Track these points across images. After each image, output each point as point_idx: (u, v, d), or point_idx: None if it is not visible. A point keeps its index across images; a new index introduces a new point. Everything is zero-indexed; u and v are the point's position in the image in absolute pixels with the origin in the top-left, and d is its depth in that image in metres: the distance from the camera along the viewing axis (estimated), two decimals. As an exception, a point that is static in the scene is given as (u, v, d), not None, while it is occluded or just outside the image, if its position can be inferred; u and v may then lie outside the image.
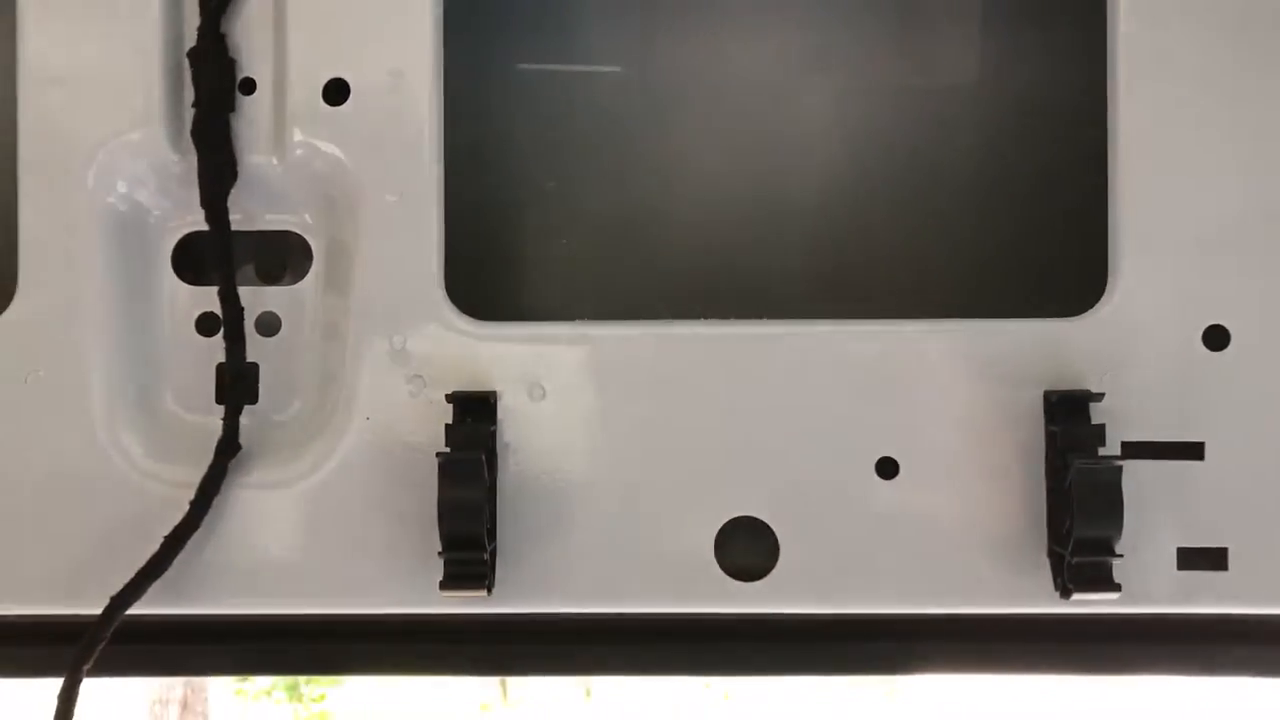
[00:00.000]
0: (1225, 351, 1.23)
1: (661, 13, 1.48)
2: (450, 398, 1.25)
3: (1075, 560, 1.19)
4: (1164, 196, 1.23)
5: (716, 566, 1.26)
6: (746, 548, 1.26)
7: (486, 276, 1.43)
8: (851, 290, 1.44)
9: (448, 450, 1.23)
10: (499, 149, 1.46)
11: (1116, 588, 1.19)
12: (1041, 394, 1.22)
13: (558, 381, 1.26)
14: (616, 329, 1.28)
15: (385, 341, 1.27)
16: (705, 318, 1.29)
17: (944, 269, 1.44)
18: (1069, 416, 1.21)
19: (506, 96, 1.47)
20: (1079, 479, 1.18)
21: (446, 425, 1.24)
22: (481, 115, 1.45)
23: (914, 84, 1.48)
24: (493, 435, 1.25)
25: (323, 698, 9.49)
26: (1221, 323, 1.23)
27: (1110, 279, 1.24)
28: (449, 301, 1.27)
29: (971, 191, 1.44)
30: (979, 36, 1.47)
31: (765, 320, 1.27)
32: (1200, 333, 1.23)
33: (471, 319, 1.27)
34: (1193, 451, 1.22)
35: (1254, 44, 1.23)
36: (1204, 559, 1.23)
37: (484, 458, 1.23)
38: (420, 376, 1.26)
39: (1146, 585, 1.22)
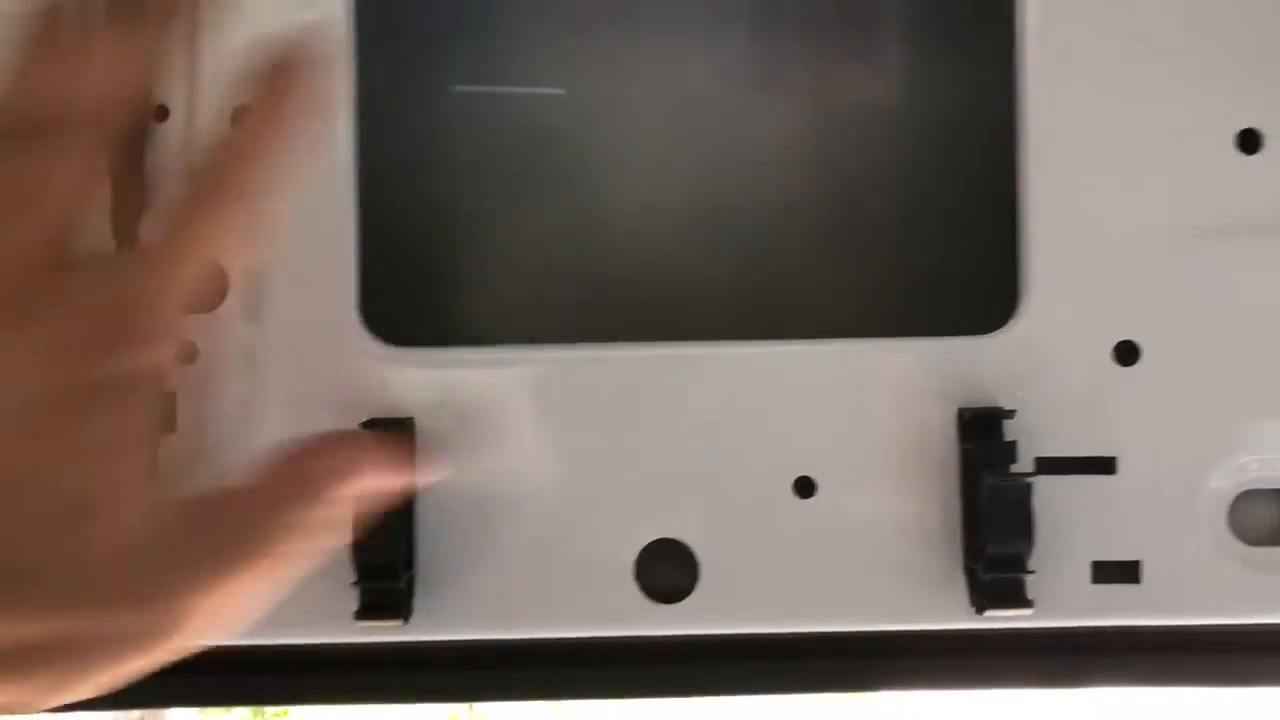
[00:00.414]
0: (1135, 367, 1.23)
1: (593, 34, 1.48)
2: (366, 425, 1.24)
3: (988, 577, 1.19)
4: (1071, 213, 1.23)
5: (637, 589, 1.25)
6: (666, 570, 1.26)
7: (412, 301, 1.42)
8: (782, 311, 1.44)
9: (362, 479, 1.22)
10: (427, 171, 1.46)
11: (1029, 604, 1.19)
12: (955, 411, 1.23)
13: (475, 406, 1.26)
14: (531, 353, 1.27)
15: (301, 368, 1.26)
16: (630, 340, 1.29)
17: (874, 289, 1.43)
18: (982, 434, 1.21)
19: (437, 118, 1.46)
20: (989, 496, 1.18)
21: None
22: (410, 136, 1.44)
23: (841, 103, 1.48)
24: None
25: (285, 712, 9.42)
26: (1131, 338, 1.23)
27: (1021, 296, 1.24)
28: (364, 328, 1.26)
29: (900, 209, 1.44)
30: (910, 55, 1.47)
31: (679, 342, 1.27)
32: (1110, 348, 1.23)
33: (387, 344, 1.27)
34: (1105, 466, 1.23)
35: (1162, 56, 1.23)
36: (1117, 572, 1.23)
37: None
38: (336, 403, 1.26)
39: (1061, 600, 1.22)
